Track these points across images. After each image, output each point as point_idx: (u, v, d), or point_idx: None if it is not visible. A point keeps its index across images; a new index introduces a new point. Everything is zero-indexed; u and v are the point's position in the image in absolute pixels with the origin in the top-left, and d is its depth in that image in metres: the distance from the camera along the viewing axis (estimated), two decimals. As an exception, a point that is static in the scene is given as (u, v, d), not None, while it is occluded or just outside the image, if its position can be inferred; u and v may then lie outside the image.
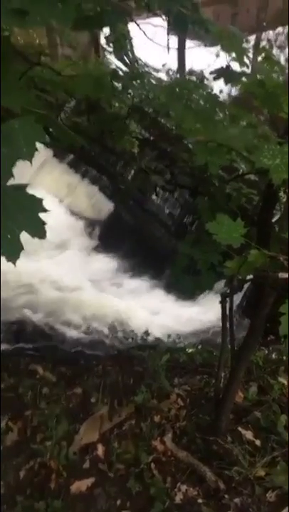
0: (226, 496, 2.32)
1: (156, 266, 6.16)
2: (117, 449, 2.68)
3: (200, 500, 2.35)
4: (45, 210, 1.25)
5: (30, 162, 1.17)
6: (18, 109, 1.24)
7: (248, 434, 2.63)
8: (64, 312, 5.46)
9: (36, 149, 1.18)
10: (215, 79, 1.89)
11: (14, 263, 1.20)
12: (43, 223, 1.24)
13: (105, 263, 6.55)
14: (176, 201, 6.20)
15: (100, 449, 2.71)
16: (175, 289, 5.53)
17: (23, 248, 1.20)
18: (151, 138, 3.91)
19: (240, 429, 2.67)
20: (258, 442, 2.60)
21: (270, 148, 1.34)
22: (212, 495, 2.36)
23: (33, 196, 1.25)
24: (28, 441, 2.80)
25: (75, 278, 6.03)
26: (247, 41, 1.93)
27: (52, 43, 6.73)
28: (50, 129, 1.80)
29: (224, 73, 1.86)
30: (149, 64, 4.59)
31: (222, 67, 1.90)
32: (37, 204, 1.25)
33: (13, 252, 1.19)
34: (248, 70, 1.95)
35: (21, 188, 1.24)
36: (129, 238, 6.62)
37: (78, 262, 6.49)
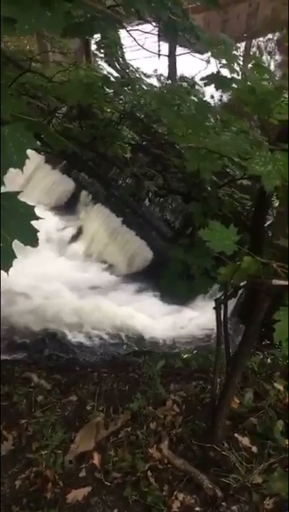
0: (224, 504, 2.30)
1: (150, 270, 6.15)
2: (113, 457, 2.66)
3: (197, 509, 2.34)
4: (37, 218, 1.24)
5: (21, 170, 1.16)
6: (8, 116, 1.23)
7: (245, 441, 2.62)
8: (60, 318, 5.44)
9: (27, 157, 1.17)
10: (205, 85, 1.90)
11: (7, 272, 1.19)
12: (36, 231, 1.23)
13: (100, 269, 6.54)
14: (170, 206, 6.21)
15: (96, 458, 2.68)
16: (169, 293, 5.52)
17: (15, 256, 1.19)
18: (144, 143, 3.92)
19: (236, 435, 2.66)
20: (254, 449, 2.59)
21: (261, 155, 1.35)
22: (209, 503, 2.34)
23: (25, 204, 1.24)
24: (23, 450, 2.77)
25: (70, 284, 6.01)
26: (237, 48, 1.94)
27: (42, 49, 6.73)
28: (42, 136, 1.79)
29: (214, 79, 1.87)
30: (140, 70, 4.60)
31: (212, 74, 1.90)
32: (29, 212, 1.24)
33: (6, 261, 1.18)
34: (239, 77, 1.96)
35: (13, 195, 1.23)
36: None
37: (72, 267, 6.47)
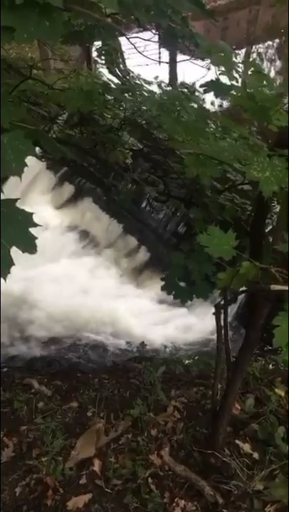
0: (225, 511, 2.29)
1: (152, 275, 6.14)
2: (114, 463, 2.65)
3: (198, 515, 2.33)
4: (35, 225, 1.25)
5: (20, 177, 1.17)
6: (7, 124, 1.24)
7: (246, 447, 2.61)
8: (59, 321, 5.44)
9: (26, 164, 1.18)
10: (205, 92, 1.91)
11: (5, 278, 1.20)
12: (34, 238, 1.24)
13: (103, 274, 6.54)
14: (171, 212, 6.21)
15: (97, 464, 2.67)
16: (170, 298, 5.50)
17: (13, 263, 1.19)
18: (144, 149, 3.93)
19: (237, 441, 2.65)
20: (255, 455, 2.58)
21: (259, 161, 1.35)
22: (210, 509, 2.33)
23: (23, 211, 1.25)
24: (23, 457, 2.76)
25: (71, 288, 6.01)
26: (236, 55, 1.95)
27: (44, 56, 6.78)
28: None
29: (214, 86, 1.88)
30: (141, 77, 4.63)
31: (211, 80, 1.91)
32: (27, 219, 1.24)
33: (4, 268, 1.18)
34: (238, 83, 1.97)
35: (12, 202, 1.24)
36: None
37: (73, 272, 6.46)
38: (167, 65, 10.12)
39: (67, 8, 1.14)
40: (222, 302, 2.07)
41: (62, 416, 3.07)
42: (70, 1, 1.12)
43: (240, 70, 1.99)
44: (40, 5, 0.97)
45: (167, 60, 9.92)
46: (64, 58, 5.51)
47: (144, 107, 3.24)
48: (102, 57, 4.35)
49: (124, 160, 3.61)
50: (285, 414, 2.84)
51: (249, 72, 1.94)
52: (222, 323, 2.23)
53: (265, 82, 1.84)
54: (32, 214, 1.20)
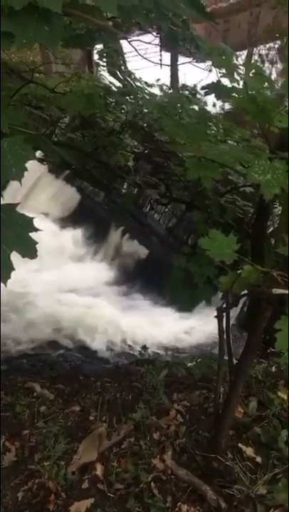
0: (228, 515, 2.27)
1: (154, 278, 6.14)
2: (116, 468, 2.63)
3: (201, 520, 2.31)
4: (36, 230, 1.24)
5: (20, 182, 1.17)
6: (7, 128, 1.24)
7: (249, 451, 2.60)
8: (62, 326, 5.43)
9: (26, 169, 1.18)
10: (206, 94, 1.90)
11: (5, 283, 1.19)
12: (34, 243, 1.23)
13: (104, 276, 6.54)
14: (173, 214, 6.21)
15: (99, 469, 2.66)
16: (173, 301, 5.50)
17: (13, 268, 1.19)
18: (146, 152, 3.93)
19: (240, 445, 2.63)
20: (258, 459, 2.56)
21: (260, 163, 1.35)
22: (213, 514, 2.31)
23: (23, 215, 1.24)
24: (25, 462, 2.75)
25: (73, 291, 6.02)
26: (237, 57, 1.95)
27: (45, 60, 6.79)
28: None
29: (215, 88, 1.87)
30: (143, 79, 4.64)
31: (212, 83, 1.91)
32: (28, 223, 1.24)
33: (5, 273, 1.18)
34: (239, 86, 1.96)
35: (12, 207, 1.24)
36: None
37: (75, 274, 6.47)
38: (168, 68, 10.12)
39: (67, 13, 1.14)
40: (224, 305, 2.06)
41: (64, 420, 3.05)
42: (69, 5, 1.12)
43: (241, 71, 1.99)
44: (40, 10, 0.96)
45: (168, 63, 9.91)
46: (65, 62, 5.53)
47: (146, 110, 3.24)
48: (104, 60, 4.37)
49: (126, 162, 3.61)
50: (288, 418, 2.83)
51: (250, 74, 1.94)
52: (224, 326, 2.22)
53: (266, 84, 1.83)
54: (32, 219, 1.20)
